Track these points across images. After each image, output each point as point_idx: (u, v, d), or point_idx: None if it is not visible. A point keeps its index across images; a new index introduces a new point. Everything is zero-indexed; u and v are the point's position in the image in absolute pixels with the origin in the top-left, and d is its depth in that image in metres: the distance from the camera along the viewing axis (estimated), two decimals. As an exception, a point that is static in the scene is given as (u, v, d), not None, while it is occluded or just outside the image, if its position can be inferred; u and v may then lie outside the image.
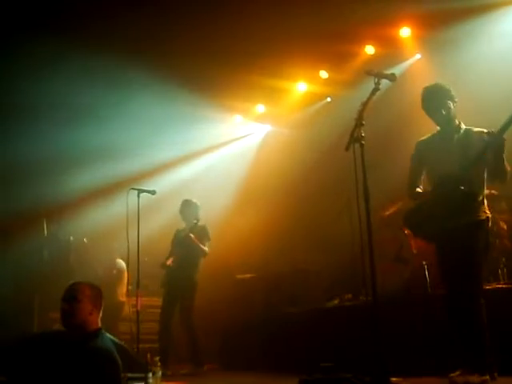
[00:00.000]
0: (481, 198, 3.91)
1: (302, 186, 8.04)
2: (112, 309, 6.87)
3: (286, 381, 4.69)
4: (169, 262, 6.55)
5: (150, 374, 3.74)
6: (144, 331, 6.21)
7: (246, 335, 7.03)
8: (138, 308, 5.68)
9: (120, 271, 7.81)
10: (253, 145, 9.61)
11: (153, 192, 6.09)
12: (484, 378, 3.57)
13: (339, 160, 4.37)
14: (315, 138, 8.10)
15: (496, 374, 3.68)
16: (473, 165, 3.77)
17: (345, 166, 3.70)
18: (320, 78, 7.97)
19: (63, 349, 3.14)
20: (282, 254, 7.85)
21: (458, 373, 3.67)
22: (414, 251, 5.64)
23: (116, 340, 3.46)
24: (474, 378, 3.56)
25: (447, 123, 4.03)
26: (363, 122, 3.47)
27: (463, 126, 4.03)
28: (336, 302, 6.28)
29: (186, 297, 6.47)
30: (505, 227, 5.44)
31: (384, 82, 3.58)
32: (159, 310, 6.66)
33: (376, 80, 3.55)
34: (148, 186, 6.38)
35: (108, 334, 3.33)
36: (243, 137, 9.65)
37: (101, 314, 3.29)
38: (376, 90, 3.55)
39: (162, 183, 8.38)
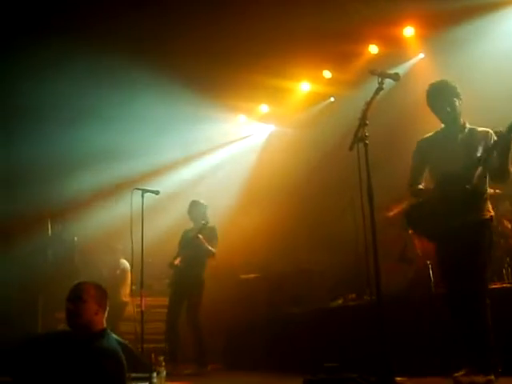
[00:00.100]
0: (485, 196, 3.90)
1: (306, 185, 8.04)
2: (115, 309, 6.88)
3: (291, 381, 4.68)
4: (176, 261, 6.58)
5: (155, 374, 3.75)
6: (148, 331, 6.21)
7: (250, 335, 7.03)
8: (143, 308, 5.69)
9: (124, 271, 7.82)
10: (256, 145, 9.62)
11: (157, 192, 6.10)
12: (489, 377, 3.55)
13: (343, 160, 4.36)
14: (319, 138, 8.10)
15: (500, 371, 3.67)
16: (477, 164, 3.76)
17: (348, 166, 3.70)
18: (323, 77, 7.97)
19: (69, 349, 3.14)
20: (285, 253, 7.85)
21: (462, 372, 3.66)
22: (418, 251, 5.63)
23: (121, 340, 3.47)
24: (479, 378, 3.54)
25: (452, 121, 4.01)
26: (367, 122, 3.47)
27: (468, 125, 4.02)
28: (340, 301, 6.27)
29: (194, 294, 6.49)
30: (509, 226, 5.43)
31: (388, 82, 3.58)
32: (163, 310, 6.68)
33: (380, 80, 3.55)
34: (152, 186, 6.37)
35: (113, 335, 3.33)
36: (247, 137, 9.66)
37: (106, 314, 3.30)
38: (380, 89, 3.55)
39: (166, 184, 8.39)
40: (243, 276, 7.97)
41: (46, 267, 7.99)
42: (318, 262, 7.30)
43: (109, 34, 6.45)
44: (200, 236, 6.43)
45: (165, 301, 6.84)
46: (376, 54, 7.29)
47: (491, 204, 3.95)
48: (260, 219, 8.10)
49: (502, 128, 3.69)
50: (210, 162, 9.51)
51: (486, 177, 3.87)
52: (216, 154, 9.54)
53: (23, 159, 7.68)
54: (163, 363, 3.97)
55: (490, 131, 3.90)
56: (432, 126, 4.18)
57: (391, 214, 6.20)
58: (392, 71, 3.66)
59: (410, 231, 5.57)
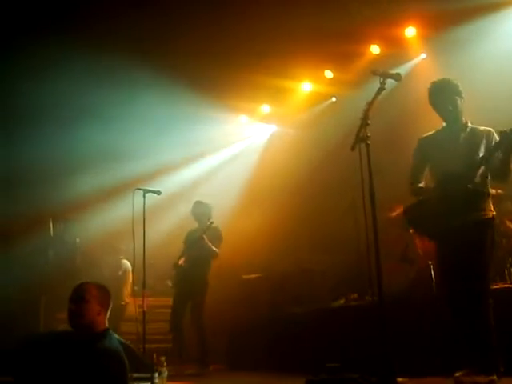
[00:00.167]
0: (486, 196, 3.89)
1: (308, 186, 8.04)
2: (116, 309, 6.88)
3: (292, 381, 4.69)
4: (181, 261, 6.59)
5: (156, 374, 3.75)
6: (150, 331, 6.21)
7: (252, 335, 7.03)
8: (145, 308, 5.69)
9: (125, 272, 7.82)
10: (258, 145, 9.62)
11: (158, 192, 6.09)
12: (491, 377, 3.55)
13: (344, 160, 4.36)
14: (320, 138, 8.09)
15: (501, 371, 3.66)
16: (479, 164, 3.75)
17: (350, 166, 3.70)
18: (325, 77, 7.97)
19: (71, 349, 3.14)
20: (287, 254, 7.85)
21: (463, 372, 3.66)
22: (420, 251, 5.63)
23: (123, 340, 3.47)
24: (481, 379, 3.54)
25: (454, 120, 4.01)
26: (369, 122, 3.46)
27: (470, 125, 4.01)
28: (342, 301, 6.27)
29: (199, 294, 6.51)
30: (511, 226, 5.42)
31: (389, 82, 3.57)
32: (165, 310, 6.69)
33: (381, 80, 3.55)
34: (153, 187, 6.37)
35: (115, 335, 3.33)
36: (248, 137, 9.66)
37: (108, 315, 3.30)
38: (381, 89, 3.55)
39: (168, 184, 8.38)
40: (245, 276, 7.97)
41: (48, 268, 7.98)
42: (320, 262, 7.30)
43: (109, 33, 6.44)
44: (205, 237, 6.44)
45: (167, 301, 6.85)
46: (378, 54, 7.29)
47: (493, 204, 3.94)
48: (262, 219, 8.10)
49: (505, 128, 3.69)
50: (212, 162, 9.51)
51: (487, 176, 3.87)
52: (217, 155, 9.54)
53: (24, 159, 7.67)
54: (165, 363, 3.97)
55: (492, 131, 3.90)
56: (434, 126, 4.18)
57: (394, 214, 6.19)
58: (394, 71, 3.65)
59: (411, 231, 5.57)
